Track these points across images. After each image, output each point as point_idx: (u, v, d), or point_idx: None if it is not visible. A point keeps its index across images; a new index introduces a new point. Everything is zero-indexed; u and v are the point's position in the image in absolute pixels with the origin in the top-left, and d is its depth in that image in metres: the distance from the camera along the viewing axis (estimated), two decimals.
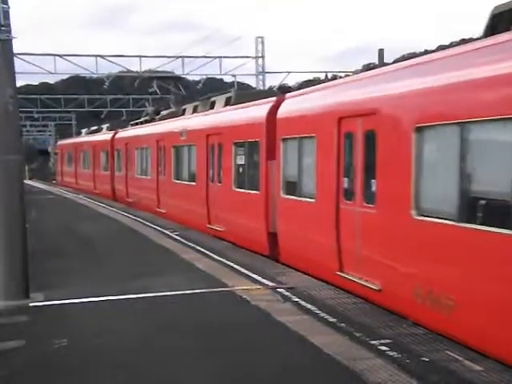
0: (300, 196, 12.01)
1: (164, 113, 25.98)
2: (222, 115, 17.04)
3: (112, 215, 22.86)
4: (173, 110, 25.66)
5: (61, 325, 8.39)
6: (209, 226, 17.27)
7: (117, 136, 31.34)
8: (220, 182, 16.57)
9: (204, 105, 19.62)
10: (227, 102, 17.45)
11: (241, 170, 15.39)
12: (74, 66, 38.14)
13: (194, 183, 18.73)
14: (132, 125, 30.41)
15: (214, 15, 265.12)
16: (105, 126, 36.97)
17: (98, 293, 9.90)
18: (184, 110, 21.96)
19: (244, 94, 18.07)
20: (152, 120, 27.10)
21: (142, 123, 28.66)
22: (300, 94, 13.05)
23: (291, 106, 12.79)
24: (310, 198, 11.44)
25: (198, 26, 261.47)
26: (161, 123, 24.30)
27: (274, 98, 14.04)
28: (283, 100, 13.36)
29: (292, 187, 12.45)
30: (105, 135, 34.51)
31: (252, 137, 14.49)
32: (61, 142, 52.78)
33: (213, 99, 18.89)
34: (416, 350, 6.96)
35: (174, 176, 21.05)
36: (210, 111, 18.45)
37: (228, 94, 17.94)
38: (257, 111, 14.41)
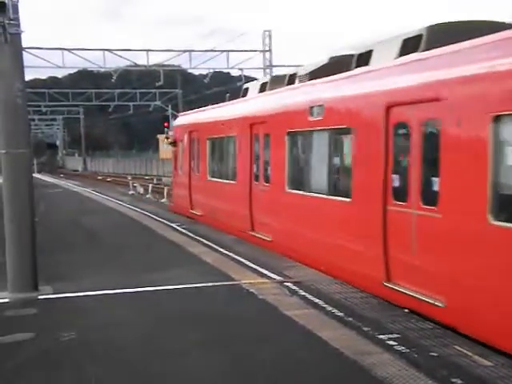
0: None
1: None
2: None
3: (120, 209, 22.90)
4: None
5: (69, 317, 8.41)
6: None
7: None
8: None
9: None
10: None
11: None
12: (82, 59, 38.39)
13: None
14: None
15: (221, 9, 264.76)
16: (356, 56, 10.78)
17: (107, 286, 9.92)
18: None
19: None
20: None
21: None
22: None
23: None
24: None
25: (205, 20, 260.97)
26: None
27: None
28: None
29: None
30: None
31: None
32: (185, 120, 21.87)
33: None
34: (424, 345, 6.92)
35: None
36: None
37: None
38: None
